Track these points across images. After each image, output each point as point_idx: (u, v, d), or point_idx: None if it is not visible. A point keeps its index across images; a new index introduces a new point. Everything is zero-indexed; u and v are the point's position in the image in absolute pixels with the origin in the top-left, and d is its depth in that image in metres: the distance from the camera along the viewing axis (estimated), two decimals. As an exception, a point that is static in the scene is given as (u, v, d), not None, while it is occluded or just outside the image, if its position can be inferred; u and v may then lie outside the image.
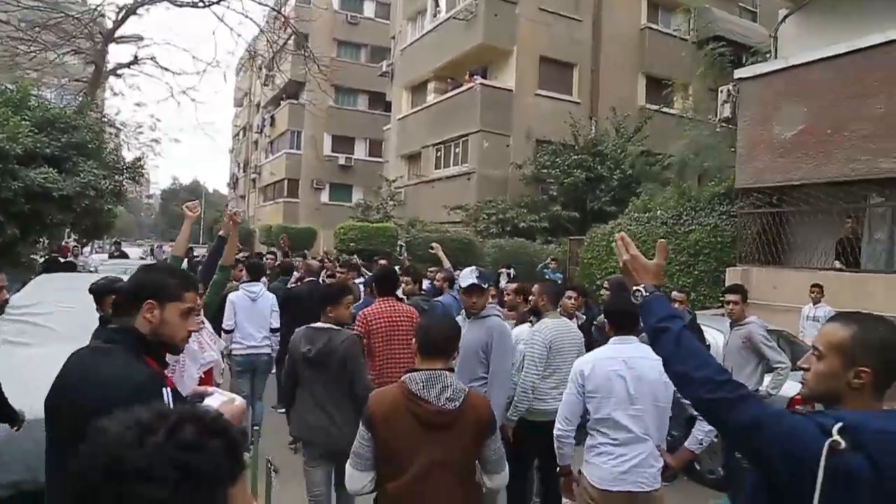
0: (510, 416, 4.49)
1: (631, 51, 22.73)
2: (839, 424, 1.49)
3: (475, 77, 21.47)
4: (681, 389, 1.83)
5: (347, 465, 2.70)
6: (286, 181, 37.25)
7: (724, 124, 12.11)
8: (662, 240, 2.13)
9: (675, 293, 6.94)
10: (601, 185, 18.84)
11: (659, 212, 12.33)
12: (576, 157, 19.36)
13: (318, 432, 4.02)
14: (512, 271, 13.49)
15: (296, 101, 37.00)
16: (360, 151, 37.09)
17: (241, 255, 19.67)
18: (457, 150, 22.06)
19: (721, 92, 11.17)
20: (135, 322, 2.00)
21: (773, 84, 10.06)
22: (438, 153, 23.20)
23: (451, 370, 2.73)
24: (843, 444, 1.46)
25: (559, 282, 11.58)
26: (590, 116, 21.93)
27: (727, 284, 9.70)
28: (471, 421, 2.63)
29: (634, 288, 1.96)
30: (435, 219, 20.30)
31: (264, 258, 10.87)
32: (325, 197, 36.47)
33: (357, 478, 2.65)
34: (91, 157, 10.13)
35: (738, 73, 10.80)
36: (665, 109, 21.25)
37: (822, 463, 1.45)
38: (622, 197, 18.60)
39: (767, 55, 11.59)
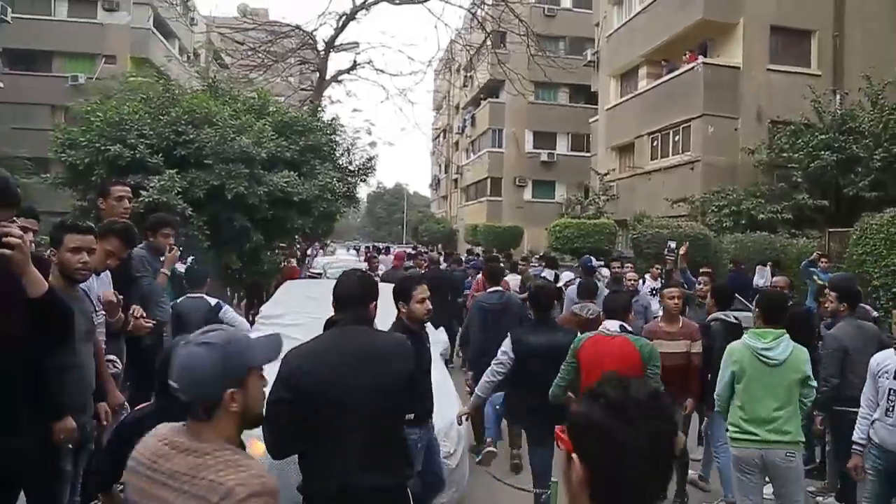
0: None
1: (885, 6, 19.39)
2: None
3: (697, 56, 19.57)
4: None
5: None
6: (489, 180, 37.37)
7: None
8: None
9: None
10: (857, 168, 16.18)
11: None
12: (822, 136, 16.83)
13: None
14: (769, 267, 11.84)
15: (496, 100, 36.97)
16: (563, 146, 36.19)
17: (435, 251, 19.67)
18: (676, 137, 20.31)
19: None
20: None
21: None
22: (654, 142, 21.55)
23: None
24: None
25: (825, 283, 9.81)
26: (833, 90, 19.08)
27: None
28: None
29: None
30: (653, 212, 18.80)
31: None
32: (527, 194, 36.08)
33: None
34: (325, 159, 10.27)
35: None
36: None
37: None
38: (884, 180, 15.86)
39: None
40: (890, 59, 19.08)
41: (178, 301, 5.24)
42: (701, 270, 8.77)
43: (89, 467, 3.97)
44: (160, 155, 8.40)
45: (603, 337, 4.17)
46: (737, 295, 11.26)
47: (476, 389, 4.75)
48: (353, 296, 2.98)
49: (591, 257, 11.47)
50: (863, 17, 19.22)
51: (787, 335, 4.08)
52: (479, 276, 9.02)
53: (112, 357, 4.01)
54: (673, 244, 8.95)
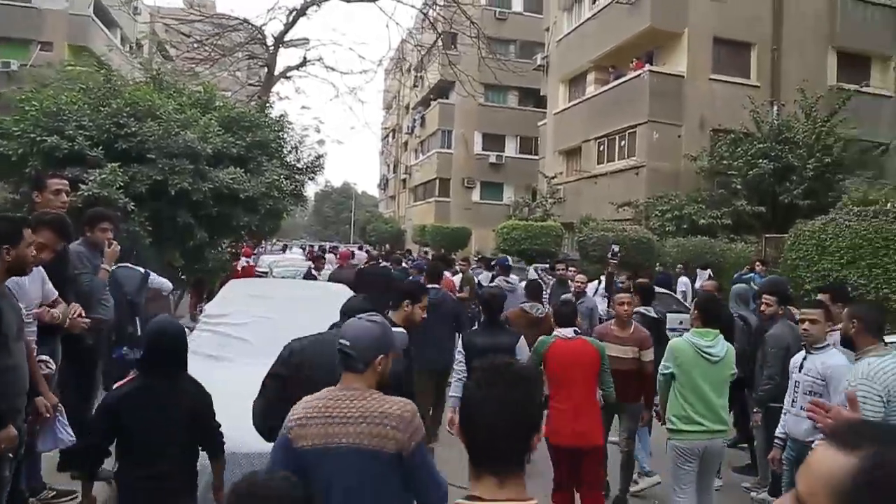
0: None
1: (819, 24, 20.27)
2: None
3: (644, 64, 20.04)
4: None
5: None
6: (437, 180, 37.47)
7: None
8: None
9: None
10: (792, 177, 16.84)
11: (889, 205, 10.51)
12: (760, 145, 17.45)
13: None
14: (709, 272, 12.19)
15: (446, 101, 37.08)
16: (511, 149, 36.54)
17: (397, 253, 19.68)
18: (622, 143, 20.76)
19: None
20: None
21: None
22: (601, 147, 21.98)
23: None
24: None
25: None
26: (771, 101, 19.80)
27: None
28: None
29: None
30: (599, 216, 19.17)
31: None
32: (476, 196, 36.30)
33: None
34: (273, 156, 10.09)
35: None
36: (866, 88, 18.77)
37: None
38: (816, 188, 16.56)
39: None
40: (822, 73, 19.97)
41: (113, 269, 5.64)
42: (620, 277, 9.15)
43: (18, 470, 3.81)
44: (100, 148, 8.09)
45: (563, 340, 4.67)
46: (677, 297, 11.62)
47: (450, 391, 5.18)
48: (360, 310, 3.31)
49: (508, 257, 13.24)
50: (799, 33, 20.00)
51: (722, 335, 4.42)
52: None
53: (45, 357, 3.85)
54: (616, 247, 9.21)
